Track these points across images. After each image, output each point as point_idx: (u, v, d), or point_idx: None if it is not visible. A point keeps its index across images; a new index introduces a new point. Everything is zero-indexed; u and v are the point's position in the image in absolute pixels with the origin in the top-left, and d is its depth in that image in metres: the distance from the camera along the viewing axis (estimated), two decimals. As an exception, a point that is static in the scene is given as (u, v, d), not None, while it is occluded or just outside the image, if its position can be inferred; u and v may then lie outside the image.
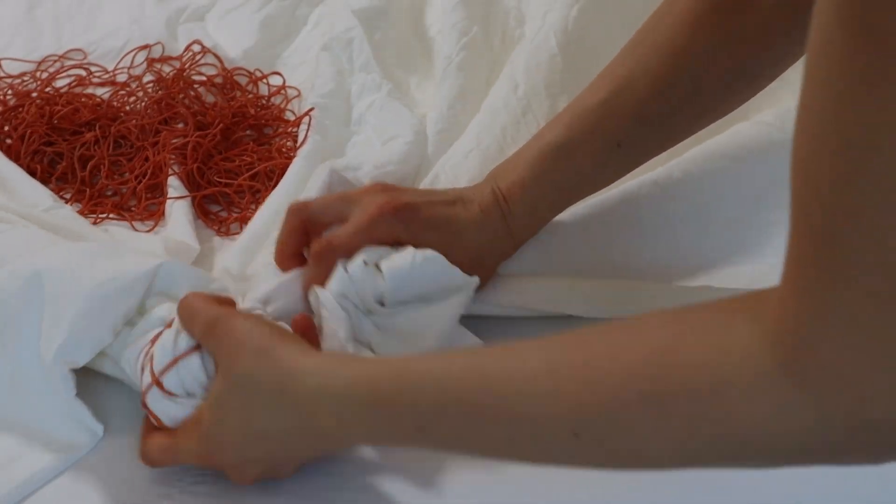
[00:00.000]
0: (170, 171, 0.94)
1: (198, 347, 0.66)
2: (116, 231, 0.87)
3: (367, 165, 0.89)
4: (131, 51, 1.11)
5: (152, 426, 0.67)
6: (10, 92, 1.05)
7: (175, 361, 0.66)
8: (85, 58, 1.12)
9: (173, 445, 0.66)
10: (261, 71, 1.10)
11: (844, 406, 0.45)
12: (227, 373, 0.64)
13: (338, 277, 0.72)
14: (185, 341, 0.67)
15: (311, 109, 0.99)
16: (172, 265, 0.72)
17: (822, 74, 0.43)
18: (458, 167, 0.89)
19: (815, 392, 0.45)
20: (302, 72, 1.09)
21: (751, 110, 0.89)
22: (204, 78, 1.07)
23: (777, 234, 0.82)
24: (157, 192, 0.95)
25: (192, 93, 1.05)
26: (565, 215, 0.84)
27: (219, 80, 1.07)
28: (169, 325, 0.68)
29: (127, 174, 0.96)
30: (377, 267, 0.72)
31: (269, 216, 0.86)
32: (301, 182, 0.89)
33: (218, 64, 1.09)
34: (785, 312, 0.46)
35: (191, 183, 0.94)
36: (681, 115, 0.78)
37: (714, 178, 0.86)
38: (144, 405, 0.67)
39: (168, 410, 0.66)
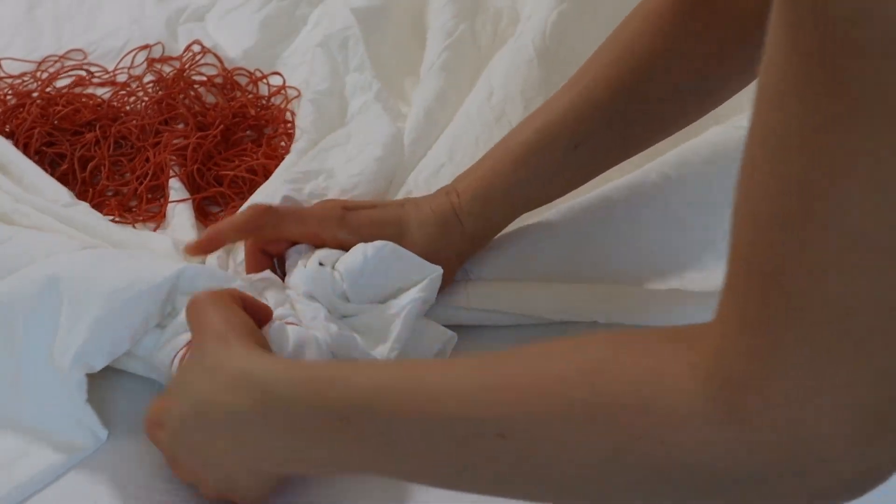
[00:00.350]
0: (171, 173, 0.95)
1: None
2: (124, 231, 0.87)
3: (340, 175, 0.90)
4: (131, 51, 1.11)
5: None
6: (10, 92, 1.05)
7: None
8: (85, 58, 1.12)
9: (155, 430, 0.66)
10: (261, 71, 1.10)
11: (771, 448, 0.44)
12: (193, 352, 0.65)
13: (298, 274, 0.74)
14: None
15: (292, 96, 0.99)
16: (194, 269, 0.72)
17: (773, 112, 0.42)
18: (431, 182, 0.90)
19: (741, 430, 0.44)
20: (302, 72, 1.09)
21: (723, 115, 0.90)
22: (204, 78, 1.07)
23: None
24: (159, 192, 0.95)
25: (193, 93, 1.05)
26: (540, 219, 0.84)
27: (219, 80, 1.08)
28: None
29: (128, 175, 0.96)
30: (334, 268, 0.74)
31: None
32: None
33: (218, 64, 1.09)
34: (720, 347, 0.45)
35: (191, 184, 0.94)
36: (637, 125, 0.79)
37: (688, 183, 0.87)
38: None
39: None
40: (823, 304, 0.42)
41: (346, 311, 0.74)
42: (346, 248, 0.76)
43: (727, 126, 0.90)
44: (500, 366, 0.52)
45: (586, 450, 0.48)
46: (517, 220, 0.84)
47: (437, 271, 0.74)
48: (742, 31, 0.73)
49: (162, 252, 0.81)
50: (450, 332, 0.76)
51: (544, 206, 0.84)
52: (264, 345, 0.64)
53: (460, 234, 0.79)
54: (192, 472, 0.65)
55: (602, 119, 0.77)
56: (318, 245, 0.77)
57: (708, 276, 0.82)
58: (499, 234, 0.83)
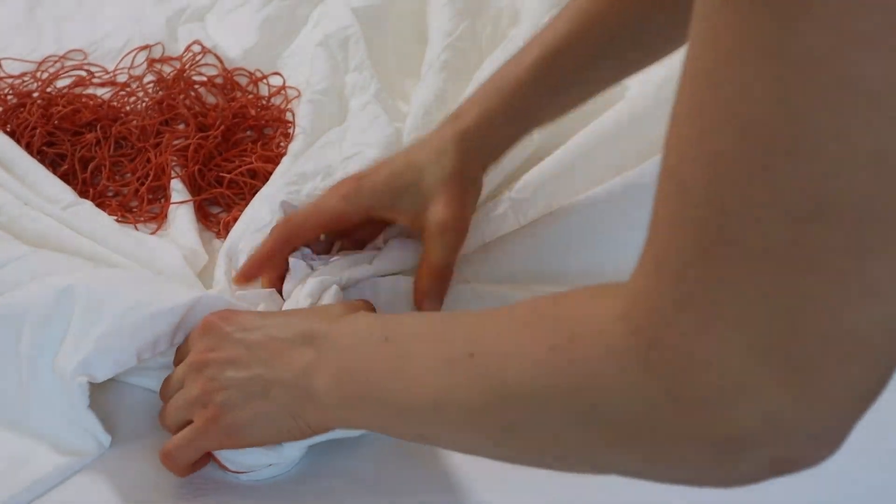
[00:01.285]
0: (172, 174, 0.95)
1: None
2: (132, 238, 0.87)
3: (338, 174, 0.90)
4: (131, 51, 1.11)
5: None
6: (10, 92, 1.05)
7: None
8: (85, 58, 1.12)
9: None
10: (261, 71, 1.10)
11: (691, 393, 0.45)
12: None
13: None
14: None
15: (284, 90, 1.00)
16: (212, 298, 0.72)
17: (701, 44, 0.42)
18: None
19: (661, 373, 0.45)
20: (302, 72, 1.09)
21: None
22: (204, 78, 1.07)
23: None
24: (159, 193, 0.95)
25: (193, 93, 1.05)
26: (524, 222, 0.85)
27: (219, 80, 1.08)
28: None
29: (129, 175, 0.97)
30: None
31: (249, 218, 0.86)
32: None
33: (218, 64, 1.09)
34: (635, 288, 0.47)
35: (192, 184, 0.94)
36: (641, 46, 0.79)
37: None
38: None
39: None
40: (738, 241, 0.42)
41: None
42: (372, 216, 0.80)
43: None
44: (488, 310, 0.59)
45: (528, 358, 0.52)
46: (503, 224, 0.85)
47: None
48: None
49: (173, 267, 0.81)
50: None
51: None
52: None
53: (468, 150, 0.79)
54: (215, 357, 0.66)
55: (603, 40, 0.78)
56: (345, 228, 0.81)
57: None
58: (486, 238, 0.85)
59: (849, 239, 0.40)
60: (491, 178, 0.86)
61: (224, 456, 0.67)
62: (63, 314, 0.70)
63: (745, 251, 0.42)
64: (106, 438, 0.70)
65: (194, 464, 0.68)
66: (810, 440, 0.45)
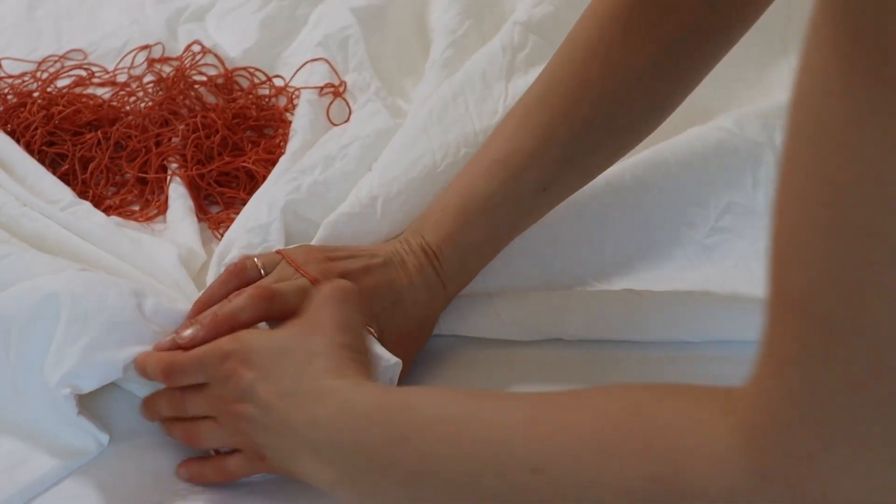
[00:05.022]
0: (171, 173, 0.95)
1: None
2: (129, 238, 0.87)
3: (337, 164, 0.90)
4: (131, 51, 1.11)
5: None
6: (10, 92, 1.05)
7: None
8: (85, 58, 1.12)
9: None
10: (261, 71, 1.10)
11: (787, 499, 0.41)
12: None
13: None
14: None
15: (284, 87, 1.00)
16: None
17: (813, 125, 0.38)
18: (388, 157, 0.90)
19: (764, 481, 0.42)
20: (302, 72, 1.09)
21: (710, 111, 0.91)
22: (204, 78, 1.07)
23: (728, 240, 0.84)
24: (159, 193, 0.95)
25: (193, 93, 1.05)
26: None
27: (220, 80, 1.08)
28: None
29: (128, 175, 0.96)
30: None
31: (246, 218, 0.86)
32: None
33: (218, 64, 1.09)
34: (754, 391, 0.43)
35: (191, 184, 0.94)
36: (602, 151, 0.79)
37: (663, 187, 0.87)
38: None
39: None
40: (865, 341, 0.38)
41: None
42: None
43: (707, 127, 0.90)
44: (548, 401, 0.53)
45: (616, 489, 0.46)
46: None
47: (397, 364, 0.70)
48: (694, 38, 0.75)
49: (168, 268, 0.80)
50: (394, 359, 0.70)
51: None
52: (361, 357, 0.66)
53: (441, 292, 0.77)
54: (240, 410, 0.64)
55: (568, 159, 0.77)
56: None
57: (656, 276, 0.82)
58: None
59: None
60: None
61: None
62: (48, 322, 0.69)
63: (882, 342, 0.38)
64: (104, 437, 0.70)
65: None
66: None
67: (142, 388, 0.72)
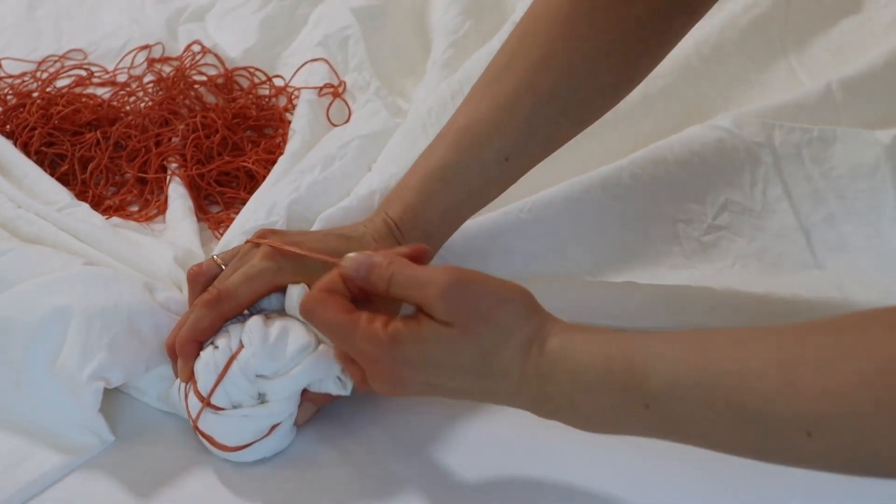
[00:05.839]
0: (171, 173, 0.95)
1: (233, 358, 0.67)
2: (125, 240, 0.87)
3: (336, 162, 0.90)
4: (131, 51, 1.11)
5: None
6: (10, 92, 1.05)
7: (220, 378, 0.67)
8: (85, 58, 1.12)
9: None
10: (261, 71, 1.10)
11: None
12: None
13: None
14: (223, 355, 0.67)
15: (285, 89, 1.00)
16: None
17: None
18: (387, 155, 0.90)
19: None
20: (302, 72, 1.10)
21: (710, 111, 0.91)
22: (204, 78, 1.07)
23: (725, 237, 0.84)
24: (159, 192, 0.95)
25: (193, 93, 1.05)
26: (509, 218, 0.85)
27: (220, 80, 1.08)
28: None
29: (128, 175, 0.97)
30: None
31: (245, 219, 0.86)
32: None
33: (218, 64, 1.09)
34: None
35: (191, 184, 0.95)
36: (565, 123, 0.79)
37: (661, 184, 0.87)
38: (198, 430, 0.68)
39: (222, 427, 0.67)
40: None
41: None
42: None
43: (706, 126, 0.90)
44: (796, 357, 0.53)
45: (887, 447, 0.48)
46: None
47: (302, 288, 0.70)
48: (659, 16, 0.75)
49: (164, 269, 0.80)
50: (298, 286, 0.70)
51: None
52: None
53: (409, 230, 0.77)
54: (405, 375, 0.62)
55: (530, 129, 0.77)
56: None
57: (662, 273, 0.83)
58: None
59: None
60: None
61: (213, 429, 0.67)
62: (58, 330, 0.70)
63: None
64: (109, 437, 0.70)
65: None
66: None
67: (154, 400, 0.73)
